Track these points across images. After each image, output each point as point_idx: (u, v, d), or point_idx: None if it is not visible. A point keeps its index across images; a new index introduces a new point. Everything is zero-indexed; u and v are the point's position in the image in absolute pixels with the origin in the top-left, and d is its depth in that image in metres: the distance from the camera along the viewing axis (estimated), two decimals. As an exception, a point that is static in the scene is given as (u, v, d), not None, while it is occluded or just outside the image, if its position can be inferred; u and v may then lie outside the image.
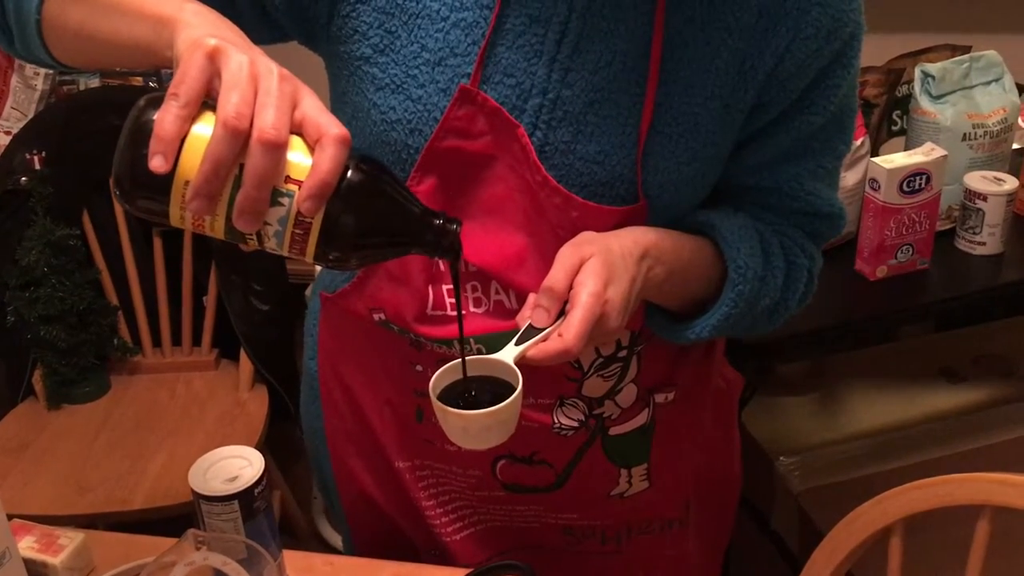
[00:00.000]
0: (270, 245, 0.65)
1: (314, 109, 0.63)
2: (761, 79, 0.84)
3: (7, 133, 2.13)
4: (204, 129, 0.62)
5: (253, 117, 0.61)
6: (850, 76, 0.87)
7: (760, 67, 0.83)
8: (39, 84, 2.21)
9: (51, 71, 2.22)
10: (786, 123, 0.87)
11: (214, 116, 0.61)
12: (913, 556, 1.02)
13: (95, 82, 2.28)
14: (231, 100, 0.60)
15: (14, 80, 2.22)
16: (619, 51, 0.82)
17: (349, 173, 0.64)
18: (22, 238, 1.85)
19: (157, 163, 0.60)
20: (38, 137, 1.92)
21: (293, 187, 0.62)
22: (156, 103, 0.62)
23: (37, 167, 1.87)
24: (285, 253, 0.65)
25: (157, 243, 1.99)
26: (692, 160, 0.85)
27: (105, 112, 1.92)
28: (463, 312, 0.90)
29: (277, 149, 0.61)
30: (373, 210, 0.66)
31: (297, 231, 0.64)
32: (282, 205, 0.63)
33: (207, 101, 0.63)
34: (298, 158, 0.63)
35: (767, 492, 1.64)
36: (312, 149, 0.63)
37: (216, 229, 0.64)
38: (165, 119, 0.60)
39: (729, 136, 0.87)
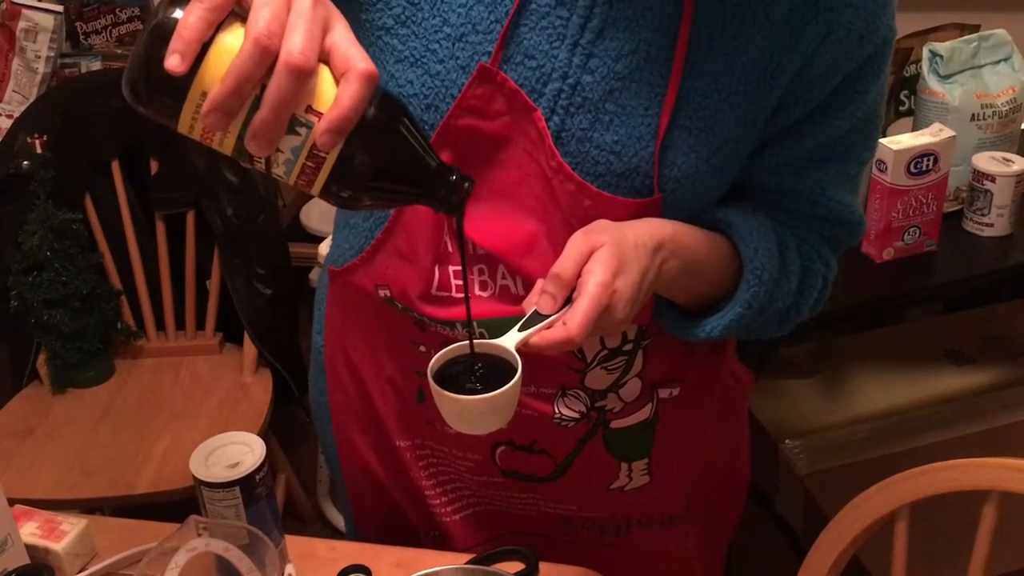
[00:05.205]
0: (277, 172, 0.63)
1: (344, 39, 0.61)
2: (787, 78, 0.81)
3: (8, 116, 2.12)
4: (229, 40, 0.59)
5: (282, 37, 0.58)
6: (879, 82, 0.84)
7: (787, 66, 0.81)
8: (40, 67, 2.20)
9: (52, 55, 2.20)
10: (811, 126, 0.85)
11: (240, 28, 0.59)
12: (919, 541, 1.02)
13: (97, 65, 2.27)
14: (263, 15, 0.57)
15: (15, 63, 2.21)
16: (644, 40, 0.80)
17: (371, 111, 0.62)
18: (24, 222, 1.84)
19: (174, 62, 0.57)
20: (40, 120, 1.92)
21: (312, 118, 0.60)
22: (182, 0, 0.58)
23: (39, 151, 1.86)
24: (291, 183, 0.63)
25: (160, 227, 1.98)
26: (711, 156, 0.83)
27: (107, 95, 1.91)
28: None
29: (303, 76, 0.58)
30: (390, 154, 0.64)
31: (309, 164, 0.62)
32: (298, 135, 0.61)
33: (234, 10, 0.60)
34: (321, 88, 0.60)
35: (772, 475, 1.63)
36: (337, 81, 0.60)
37: (225, 146, 0.62)
38: (189, 18, 0.57)
39: (751, 134, 0.85)
